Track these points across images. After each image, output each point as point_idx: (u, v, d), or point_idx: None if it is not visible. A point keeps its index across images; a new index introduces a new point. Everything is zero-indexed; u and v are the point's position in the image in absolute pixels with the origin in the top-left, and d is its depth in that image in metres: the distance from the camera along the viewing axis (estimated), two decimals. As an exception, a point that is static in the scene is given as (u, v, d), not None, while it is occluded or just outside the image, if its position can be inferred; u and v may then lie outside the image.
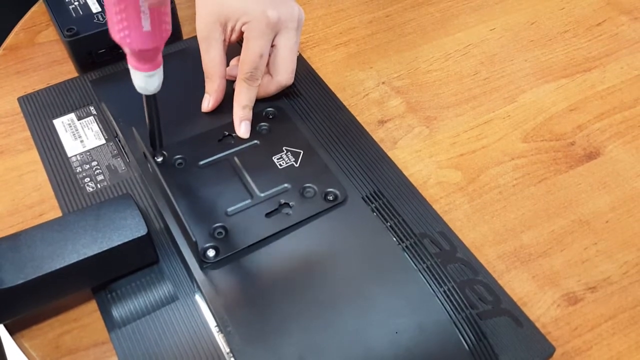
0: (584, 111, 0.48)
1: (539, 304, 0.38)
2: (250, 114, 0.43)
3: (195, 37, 0.45)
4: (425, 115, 0.48)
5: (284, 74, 0.44)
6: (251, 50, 0.41)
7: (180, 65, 0.48)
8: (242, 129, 0.43)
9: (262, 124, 0.43)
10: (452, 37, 0.54)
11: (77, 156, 0.43)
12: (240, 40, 0.43)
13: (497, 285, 0.37)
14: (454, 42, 0.53)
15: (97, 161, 0.43)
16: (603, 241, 0.41)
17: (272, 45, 0.43)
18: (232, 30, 0.42)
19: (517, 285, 0.38)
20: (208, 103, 0.44)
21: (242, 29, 0.42)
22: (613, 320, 0.37)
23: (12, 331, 0.36)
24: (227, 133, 0.42)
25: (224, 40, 0.43)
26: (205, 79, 0.44)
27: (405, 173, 0.43)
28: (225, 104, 0.44)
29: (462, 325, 0.34)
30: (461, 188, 0.43)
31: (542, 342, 0.34)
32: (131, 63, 0.35)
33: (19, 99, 0.47)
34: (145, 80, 0.35)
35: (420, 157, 0.45)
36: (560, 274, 0.39)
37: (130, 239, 0.34)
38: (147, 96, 0.37)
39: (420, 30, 0.54)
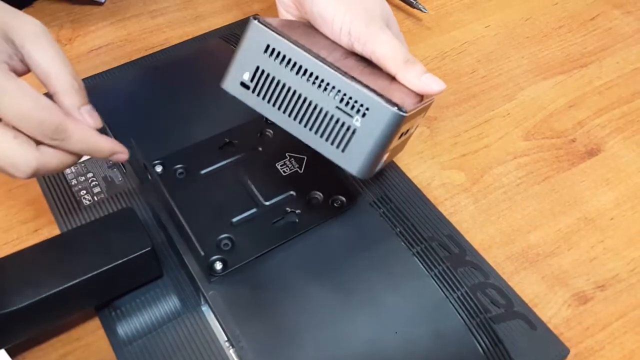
0: (583, 107, 0.48)
1: (549, 305, 0.37)
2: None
3: (190, 40, 0.43)
4: (425, 115, 0.47)
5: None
6: None
7: (177, 72, 0.47)
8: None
9: (264, 129, 0.42)
10: (447, 36, 0.53)
11: (72, 168, 0.42)
12: None
13: (509, 288, 0.36)
14: (449, 40, 0.53)
15: (92, 173, 0.41)
16: (609, 238, 0.40)
17: None
18: None
19: (527, 286, 0.38)
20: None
21: None
22: (624, 319, 0.37)
23: (13, 353, 0.35)
24: (227, 140, 0.41)
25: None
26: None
27: (409, 175, 0.42)
28: (223, 109, 0.43)
29: (476, 331, 0.34)
30: (465, 189, 0.43)
31: (557, 344, 0.34)
32: None
33: (6, 110, 0.45)
34: None
35: (422, 159, 0.45)
36: (569, 274, 0.39)
37: (134, 255, 0.33)
38: None
39: (415, 29, 0.54)
